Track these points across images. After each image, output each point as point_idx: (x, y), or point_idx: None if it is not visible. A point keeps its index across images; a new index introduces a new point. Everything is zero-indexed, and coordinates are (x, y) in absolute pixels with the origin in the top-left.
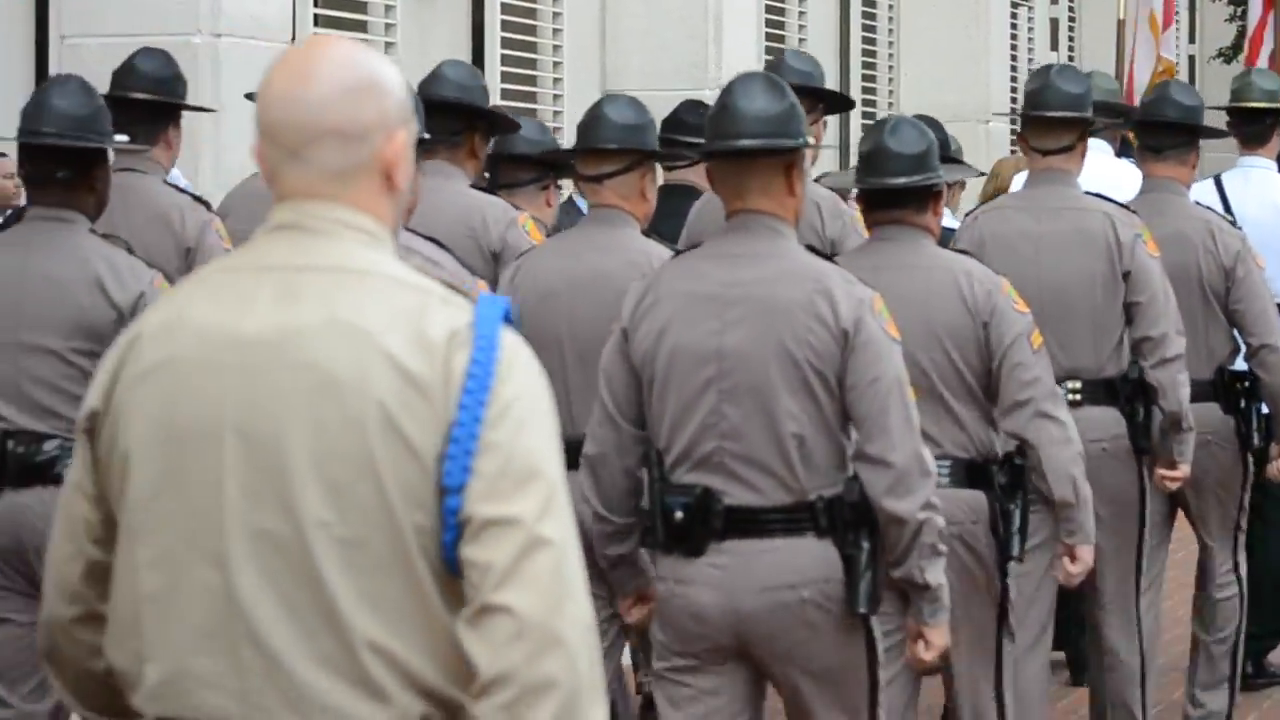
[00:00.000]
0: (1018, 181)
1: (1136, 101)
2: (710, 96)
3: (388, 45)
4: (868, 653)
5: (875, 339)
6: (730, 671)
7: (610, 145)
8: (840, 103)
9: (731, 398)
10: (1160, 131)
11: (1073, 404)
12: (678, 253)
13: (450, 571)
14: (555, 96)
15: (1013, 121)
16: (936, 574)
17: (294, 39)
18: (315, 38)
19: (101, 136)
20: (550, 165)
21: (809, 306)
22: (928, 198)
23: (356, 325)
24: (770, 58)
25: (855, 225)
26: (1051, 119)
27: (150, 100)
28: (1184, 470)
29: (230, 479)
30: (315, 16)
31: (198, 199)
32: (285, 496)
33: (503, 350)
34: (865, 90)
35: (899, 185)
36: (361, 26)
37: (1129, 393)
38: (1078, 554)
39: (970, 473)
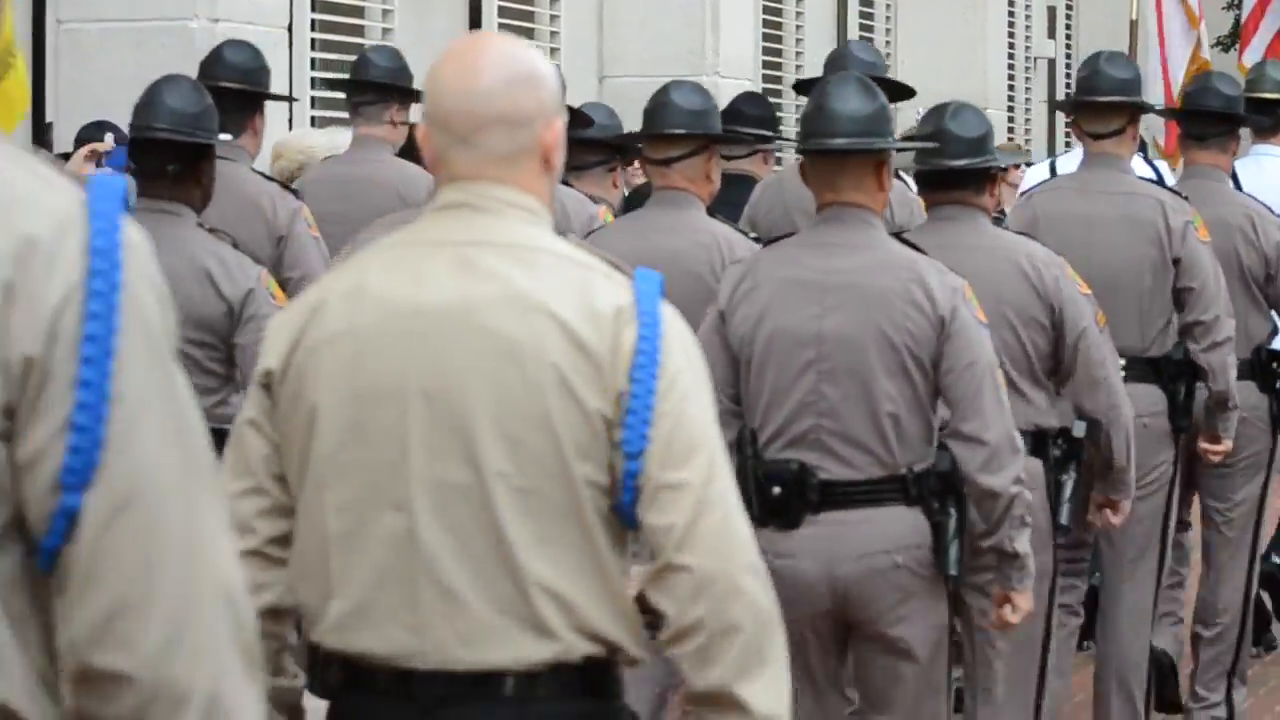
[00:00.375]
0: (1068, 162)
1: (1175, 96)
2: (707, 84)
3: (384, 31)
4: (949, 613)
5: (969, 325)
6: (822, 636)
7: (678, 130)
8: (902, 91)
9: (831, 379)
10: (1204, 120)
11: None
12: (769, 241)
13: (623, 524)
14: None
15: (1045, 108)
16: (1024, 543)
17: (291, 25)
18: (476, 34)
19: (210, 133)
20: (617, 148)
21: (905, 294)
22: (985, 180)
23: (531, 296)
24: (763, 46)
25: (921, 212)
26: (1101, 104)
27: (238, 89)
28: (1227, 444)
29: (414, 434)
30: (312, 2)
31: (285, 186)
32: (468, 449)
33: (664, 325)
34: None
35: (961, 167)
36: (359, 12)
37: (1172, 372)
38: (1121, 507)
39: (1029, 443)
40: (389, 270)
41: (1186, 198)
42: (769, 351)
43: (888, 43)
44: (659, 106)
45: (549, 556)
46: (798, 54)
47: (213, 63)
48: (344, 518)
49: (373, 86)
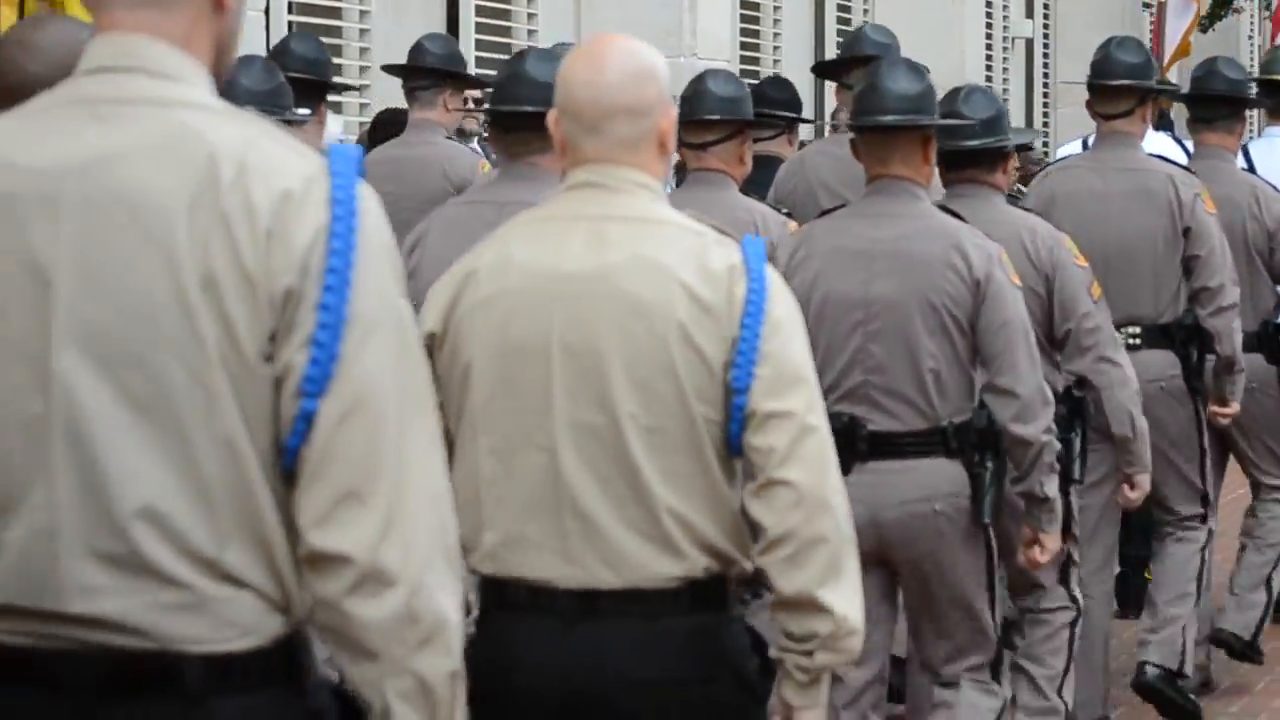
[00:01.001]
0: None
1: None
2: (685, 64)
3: (363, 14)
4: (986, 556)
5: (1003, 288)
6: (869, 574)
7: (714, 116)
8: None
9: (877, 338)
10: (1210, 103)
11: (1133, 347)
12: (821, 213)
13: (732, 454)
14: None
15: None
16: (1052, 488)
17: (268, 9)
18: (600, 35)
19: (283, 110)
20: None
21: (945, 260)
22: (998, 158)
23: (657, 261)
24: (740, 26)
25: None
26: (1112, 87)
27: (305, 79)
28: (1234, 407)
29: (557, 382)
30: None
31: None
32: (603, 394)
33: (768, 280)
34: None
35: (975, 147)
36: None
37: (1183, 337)
38: (1136, 482)
39: None
40: (531, 242)
41: (1195, 174)
42: (822, 314)
43: (865, 22)
44: (696, 94)
45: (675, 485)
46: (775, 34)
47: (280, 54)
48: (496, 460)
49: (427, 72)
